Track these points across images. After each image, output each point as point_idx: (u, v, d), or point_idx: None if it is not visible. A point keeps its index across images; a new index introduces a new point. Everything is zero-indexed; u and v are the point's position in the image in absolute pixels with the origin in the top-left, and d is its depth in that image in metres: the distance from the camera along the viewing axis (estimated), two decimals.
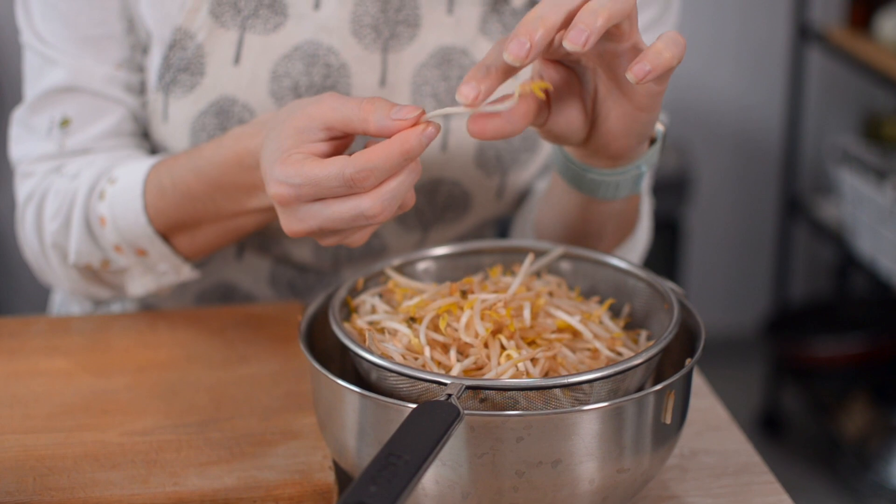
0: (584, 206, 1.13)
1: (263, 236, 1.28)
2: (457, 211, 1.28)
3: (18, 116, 1.23)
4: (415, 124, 0.90)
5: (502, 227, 1.42)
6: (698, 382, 1.13)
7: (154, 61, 1.20)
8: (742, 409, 3.26)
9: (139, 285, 1.21)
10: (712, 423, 1.08)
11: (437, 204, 1.26)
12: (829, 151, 3.25)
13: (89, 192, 1.18)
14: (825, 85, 3.38)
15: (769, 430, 3.21)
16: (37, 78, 1.22)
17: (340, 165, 0.89)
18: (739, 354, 3.48)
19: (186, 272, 1.20)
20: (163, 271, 1.19)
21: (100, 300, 1.27)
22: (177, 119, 1.20)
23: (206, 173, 1.09)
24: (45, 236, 1.21)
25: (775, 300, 3.29)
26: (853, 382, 3.06)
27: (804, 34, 3.03)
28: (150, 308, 1.34)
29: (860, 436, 2.92)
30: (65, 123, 1.21)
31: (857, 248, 2.93)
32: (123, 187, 1.16)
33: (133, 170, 1.16)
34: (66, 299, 1.42)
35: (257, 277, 1.32)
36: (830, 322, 3.17)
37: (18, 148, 1.24)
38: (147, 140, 1.25)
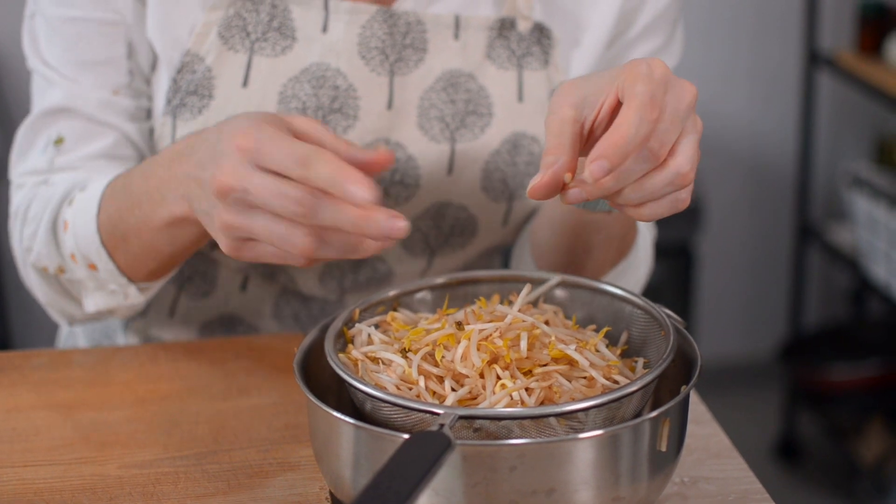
0: (569, 214, 1.14)
1: (270, 265, 1.28)
2: (463, 236, 1.28)
3: (21, 131, 1.25)
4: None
5: (508, 258, 1.41)
6: (700, 409, 1.13)
7: (162, 85, 1.21)
8: (758, 435, 3.25)
9: (92, 302, 1.20)
10: (713, 451, 1.07)
11: (443, 228, 1.26)
12: (841, 176, 3.25)
13: (63, 198, 1.20)
14: (837, 110, 3.37)
15: (785, 456, 3.19)
16: (40, 97, 1.24)
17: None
18: (754, 380, 3.47)
19: (133, 294, 1.18)
20: (112, 290, 1.19)
21: (73, 320, 1.27)
22: None
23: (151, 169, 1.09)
24: (24, 241, 1.23)
25: (790, 326, 3.28)
26: (869, 407, 3.05)
27: (814, 60, 3.03)
28: (151, 341, 1.34)
29: (877, 461, 2.91)
30: (58, 142, 1.22)
31: (872, 273, 2.92)
32: (89, 195, 1.17)
33: (104, 180, 1.17)
34: (72, 332, 1.43)
35: (261, 309, 1.32)
36: (846, 347, 3.17)
37: (17, 161, 1.26)
38: None
